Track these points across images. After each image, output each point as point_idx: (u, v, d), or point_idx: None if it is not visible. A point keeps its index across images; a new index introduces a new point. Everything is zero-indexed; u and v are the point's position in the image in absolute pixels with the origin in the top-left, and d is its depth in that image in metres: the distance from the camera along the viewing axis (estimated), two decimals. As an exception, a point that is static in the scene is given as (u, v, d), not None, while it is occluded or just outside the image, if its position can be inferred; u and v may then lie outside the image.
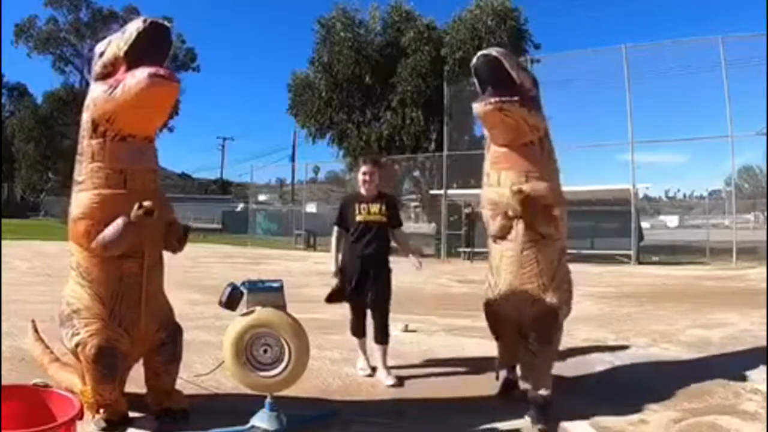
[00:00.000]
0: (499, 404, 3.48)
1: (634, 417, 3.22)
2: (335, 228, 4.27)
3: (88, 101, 2.93)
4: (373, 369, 4.12)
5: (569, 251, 3.62)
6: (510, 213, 3.25)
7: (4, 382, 2.63)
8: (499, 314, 3.47)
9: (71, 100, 37.17)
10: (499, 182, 3.34)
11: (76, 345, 2.81)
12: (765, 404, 3.25)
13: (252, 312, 2.84)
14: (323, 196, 37.37)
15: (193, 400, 3.24)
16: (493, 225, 3.38)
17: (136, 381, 3.14)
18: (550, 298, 3.24)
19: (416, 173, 21.53)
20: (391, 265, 4.19)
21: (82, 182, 2.90)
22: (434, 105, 18.82)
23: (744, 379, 3.99)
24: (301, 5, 78.03)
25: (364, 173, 4.17)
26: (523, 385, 3.50)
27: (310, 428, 3.05)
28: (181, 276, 10.52)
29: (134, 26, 2.81)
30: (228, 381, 3.44)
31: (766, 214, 24.25)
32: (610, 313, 6.82)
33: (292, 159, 35.76)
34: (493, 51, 3.27)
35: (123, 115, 2.81)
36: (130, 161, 2.89)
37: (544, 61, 18.02)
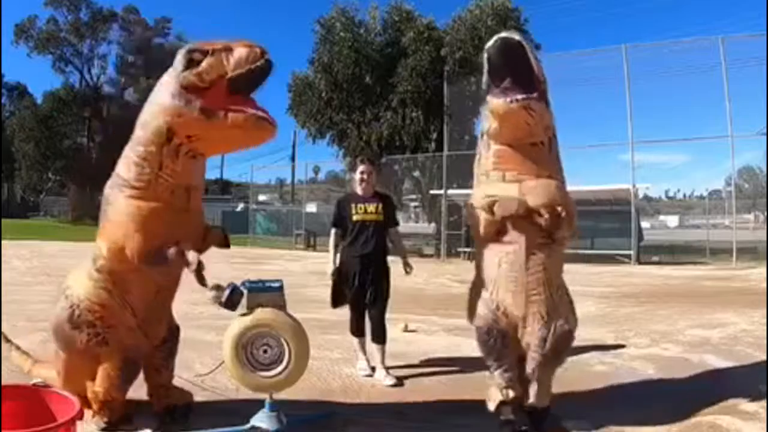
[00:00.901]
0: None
1: (635, 417, 3.22)
2: (333, 229, 4.30)
3: (162, 105, 2.72)
4: (373, 369, 4.13)
5: (569, 251, 3.33)
6: (498, 211, 2.83)
7: (4, 382, 2.63)
8: (503, 335, 2.95)
9: (71, 100, 37.22)
10: (503, 181, 2.94)
11: (100, 353, 2.81)
12: (765, 404, 3.24)
13: (252, 312, 2.85)
14: (323, 196, 37.36)
15: (193, 400, 3.24)
16: (482, 224, 2.95)
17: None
18: (563, 315, 2.91)
19: (416, 173, 21.51)
20: (389, 264, 4.21)
21: (140, 189, 2.72)
22: (434, 105, 18.82)
23: (744, 379, 3.99)
24: (301, 5, 78.01)
25: (362, 172, 4.20)
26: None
27: (310, 428, 3.05)
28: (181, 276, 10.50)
29: (250, 56, 2.64)
30: (228, 381, 3.44)
31: (766, 214, 24.24)
32: (610, 313, 6.82)
33: (292, 159, 35.71)
34: (515, 35, 2.88)
35: (211, 140, 2.75)
36: (196, 178, 2.87)
37: (544, 61, 17.95)
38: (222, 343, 2.87)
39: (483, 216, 2.91)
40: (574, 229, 2.93)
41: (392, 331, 4.69)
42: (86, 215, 31.41)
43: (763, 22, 14.53)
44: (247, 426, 2.88)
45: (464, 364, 4.43)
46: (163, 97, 2.74)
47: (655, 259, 16.54)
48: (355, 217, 4.13)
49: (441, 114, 18.73)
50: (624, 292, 9.24)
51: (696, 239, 20.70)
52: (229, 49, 2.66)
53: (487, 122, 2.96)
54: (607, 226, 16.60)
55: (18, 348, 3.51)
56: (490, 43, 2.88)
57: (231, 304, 2.85)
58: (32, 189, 42.00)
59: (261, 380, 2.83)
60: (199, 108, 2.64)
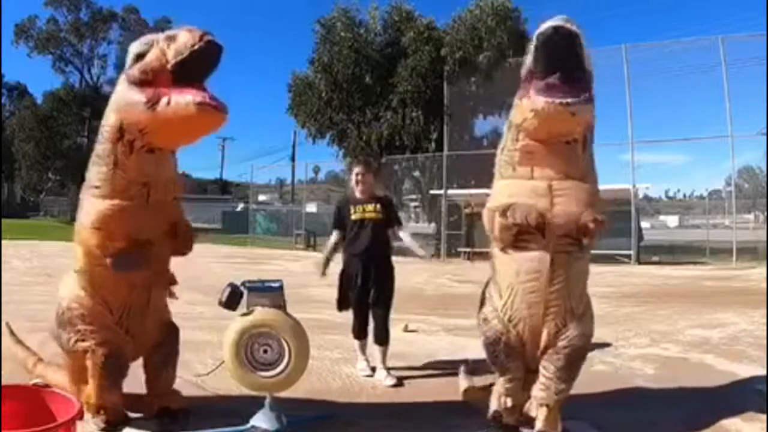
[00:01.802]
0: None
1: (635, 417, 3.22)
2: (334, 231, 4.29)
3: (116, 103, 2.75)
4: (373, 369, 4.13)
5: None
6: (513, 217, 2.61)
7: (4, 382, 2.63)
8: (511, 349, 2.77)
9: (71, 100, 37.19)
10: (532, 178, 2.71)
11: (84, 351, 2.81)
12: (765, 404, 3.24)
13: (252, 312, 2.85)
14: (323, 196, 37.33)
15: (193, 400, 3.24)
16: (497, 229, 2.71)
17: (137, 380, 3.14)
18: (580, 328, 2.68)
19: (416, 173, 21.51)
20: (394, 264, 4.21)
21: (99, 188, 2.74)
22: (434, 105, 18.81)
23: (744, 379, 3.99)
24: (301, 5, 78.02)
25: (357, 174, 4.21)
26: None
27: (309, 428, 3.05)
28: (181, 276, 10.50)
29: (188, 40, 2.56)
30: (228, 381, 3.44)
31: (766, 214, 24.23)
32: (610, 313, 6.81)
33: (292, 159, 35.72)
34: (571, 24, 2.53)
35: (159, 131, 2.68)
36: (154, 173, 2.77)
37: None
38: (222, 343, 2.88)
39: (498, 219, 2.69)
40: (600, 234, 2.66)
41: (393, 331, 4.69)
42: (86, 215, 31.28)
43: (763, 22, 14.50)
44: (247, 426, 2.88)
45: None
46: (115, 94, 2.78)
47: (655, 259, 16.53)
48: (353, 216, 4.13)
49: (441, 114, 18.73)
50: (624, 292, 9.24)
51: (696, 239, 20.69)
52: (170, 38, 2.62)
53: (521, 115, 2.69)
54: (607, 226, 16.57)
55: (22, 344, 3.52)
56: (541, 29, 2.54)
57: (231, 304, 2.86)
58: (32, 189, 41.97)
59: (261, 380, 2.83)
60: (144, 101, 2.60)
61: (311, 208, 28.80)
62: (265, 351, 2.84)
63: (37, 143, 36.91)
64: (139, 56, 2.68)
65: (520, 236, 2.65)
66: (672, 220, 41.06)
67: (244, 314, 2.85)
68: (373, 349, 4.13)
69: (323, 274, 4.24)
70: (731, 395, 3.62)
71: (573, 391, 2.83)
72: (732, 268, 13.64)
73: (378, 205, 4.14)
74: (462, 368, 3.54)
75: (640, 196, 18.43)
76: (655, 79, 18.02)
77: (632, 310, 7.19)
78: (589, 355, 4.62)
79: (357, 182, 4.20)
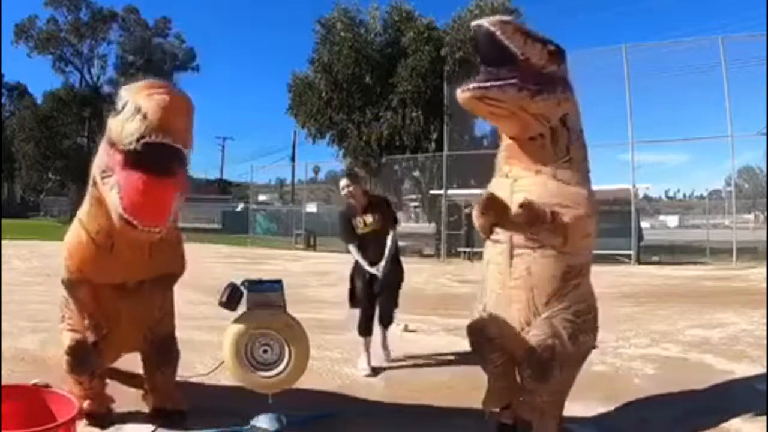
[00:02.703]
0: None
1: (635, 417, 3.22)
2: (350, 245, 4.36)
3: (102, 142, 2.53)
4: (374, 370, 4.13)
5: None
6: (479, 211, 2.71)
7: (4, 382, 2.63)
8: (482, 338, 2.80)
9: (71, 100, 37.17)
10: (507, 176, 2.80)
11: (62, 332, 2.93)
12: (765, 404, 3.24)
13: (252, 312, 2.85)
14: (323, 196, 37.31)
15: (193, 400, 3.24)
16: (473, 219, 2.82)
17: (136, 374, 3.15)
18: (544, 327, 2.56)
19: (416, 173, 21.50)
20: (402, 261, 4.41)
21: (83, 214, 2.74)
22: (434, 105, 18.80)
23: (744, 379, 3.99)
24: (301, 5, 78.02)
25: (343, 188, 4.34)
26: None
27: (310, 428, 3.05)
28: (181, 276, 10.50)
29: (138, 128, 2.24)
30: (228, 381, 3.44)
31: (766, 214, 24.24)
32: (610, 313, 6.81)
33: (292, 159, 35.74)
34: (485, 21, 2.59)
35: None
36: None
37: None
38: (222, 343, 2.87)
39: (474, 212, 2.82)
40: (571, 237, 2.58)
41: (392, 331, 4.70)
42: (86, 215, 31.30)
43: (763, 22, 14.51)
44: (248, 426, 2.88)
45: (464, 364, 4.43)
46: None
47: (655, 259, 16.53)
48: (359, 232, 4.31)
49: (441, 114, 18.72)
50: (624, 292, 9.24)
51: (696, 239, 20.69)
52: (138, 109, 2.28)
53: None
54: (607, 226, 16.58)
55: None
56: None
57: (231, 303, 2.86)
58: (32, 189, 41.95)
59: (261, 380, 2.83)
60: (100, 167, 2.43)
61: (311, 208, 28.79)
62: (265, 351, 2.84)
63: (37, 143, 36.90)
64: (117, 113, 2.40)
65: (493, 229, 2.74)
66: (672, 220, 41.07)
67: (244, 314, 2.85)
68: (377, 330, 4.31)
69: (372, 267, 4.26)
70: (731, 395, 3.62)
71: (573, 392, 2.82)
72: (732, 268, 13.64)
73: (376, 216, 4.28)
74: None
75: (640, 196, 18.42)
76: (655, 79, 18.02)
77: (632, 310, 7.18)
78: (589, 355, 4.67)
79: (347, 196, 4.34)
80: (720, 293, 9.01)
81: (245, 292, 2.87)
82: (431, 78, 18.89)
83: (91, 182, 2.61)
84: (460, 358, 4.61)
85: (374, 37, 20.50)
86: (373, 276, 4.22)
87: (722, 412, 3.25)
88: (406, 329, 5.56)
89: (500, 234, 2.72)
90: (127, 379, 3.28)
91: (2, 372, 3.18)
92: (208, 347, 4.52)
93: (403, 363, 4.44)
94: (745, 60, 15.73)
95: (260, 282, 2.95)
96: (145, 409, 3.11)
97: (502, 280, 2.68)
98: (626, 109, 16.15)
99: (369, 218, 4.27)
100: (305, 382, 3.27)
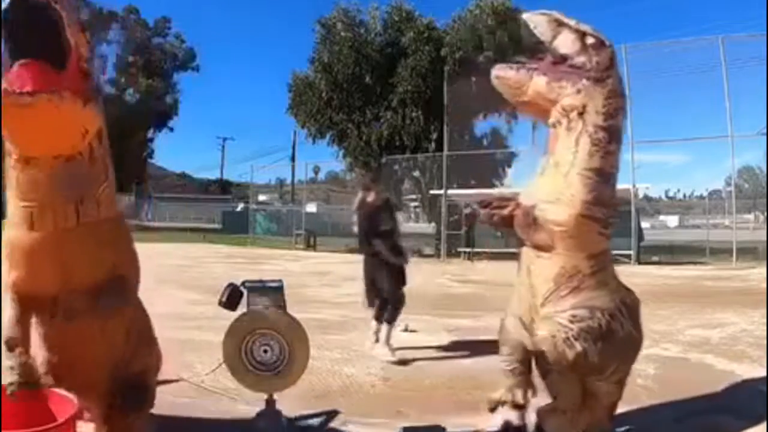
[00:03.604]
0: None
1: (635, 417, 3.22)
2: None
3: None
4: (377, 341, 4.62)
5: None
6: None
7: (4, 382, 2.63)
8: (500, 332, 2.87)
9: (71, 100, 37.17)
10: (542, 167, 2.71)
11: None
12: (765, 404, 3.24)
13: (251, 312, 2.85)
14: (323, 196, 37.35)
15: (193, 400, 3.24)
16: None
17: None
18: (545, 328, 2.54)
19: (416, 173, 21.50)
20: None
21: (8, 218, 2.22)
22: (434, 105, 18.81)
23: (744, 379, 3.99)
24: (301, 5, 78.07)
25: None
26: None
27: (310, 428, 3.05)
28: (181, 276, 10.53)
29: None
30: (228, 381, 3.44)
31: (766, 214, 24.24)
32: (610, 313, 6.80)
33: (292, 159, 35.71)
34: (528, 14, 2.73)
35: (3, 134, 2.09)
36: (37, 192, 2.12)
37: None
38: (222, 343, 2.88)
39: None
40: (558, 238, 2.51)
41: (393, 331, 4.70)
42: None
43: (763, 22, 14.50)
44: (248, 426, 2.88)
45: (464, 364, 4.44)
46: None
47: (655, 259, 16.54)
48: (384, 228, 4.81)
49: (441, 114, 18.72)
50: (624, 292, 9.23)
51: (696, 239, 20.69)
52: None
53: None
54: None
55: None
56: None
57: (231, 303, 2.86)
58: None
59: (261, 380, 2.83)
60: None
61: (311, 208, 28.81)
62: (265, 351, 2.84)
63: (37, 143, 36.89)
64: None
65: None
66: (672, 220, 41.08)
67: (244, 314, 2.85)
68: (382, 326, 4.66)
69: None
70: (731, 395, 3.62)
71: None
72: (732, 268, 13.64)
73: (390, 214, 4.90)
74: None
75: (640, 196, 18.43)
76: (655, 79, 18.01)
77: (632, 310, 7.18)
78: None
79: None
80: (720, 293, 9.01)
81: (245, 292, 2.87)
82: (431, 78, 18.90)
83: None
84: (460, 358, 4.61)
85: (374, 37, 20.51)
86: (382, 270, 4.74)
87: (722, 412, 3.25)
88: (406, 329, 5.56)
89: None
90: None
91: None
92: (208, 347, 4.52)
93: (403, 363, 4.44)
94: (745, 60, 15.75)
95: (260, 282, 2.95)
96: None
97: (519, 279, 2.72)
98: (626, 109, 16.12)
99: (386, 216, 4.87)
100: (305, 382, 3.28)
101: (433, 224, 21.34)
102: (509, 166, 21.03)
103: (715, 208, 25.01)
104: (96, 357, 2.34)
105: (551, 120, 2.61)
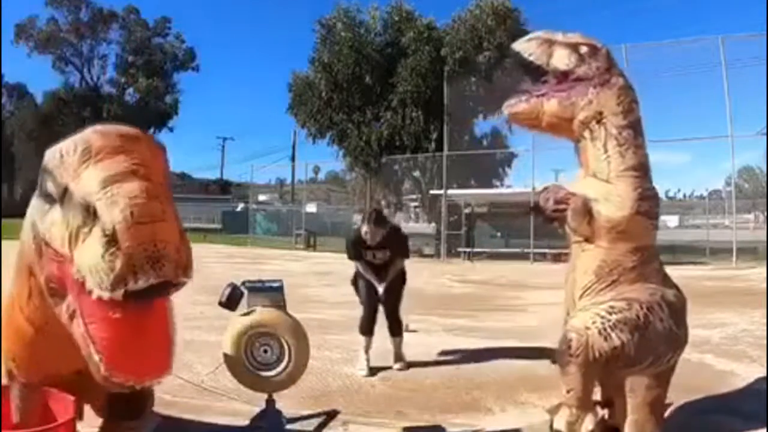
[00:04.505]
0: (499, 404, 3.48)
1: (634, 417, 3.21)
2: (357, 263, 4.43)
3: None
4: (371, 370, 4.15)
5: (569, 251, 2.95)
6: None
7: (3, 382, 2.63)
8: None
9: (71, 100, 37.18)
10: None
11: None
12: (765, 404, 3.24)
13: (252, 312, 2.85)
14: (323, 196, 37.33)
15: (193, 400, 3.24)
16: None
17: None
18: (576, 321, 2.61)
19: (416, 173, 21.51)
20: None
21: (22, 301, 2.18)
22: (434, 105, 18.81)
23: (744, 379, 3.99)
24: (301, 5, 78.03)
25: (365, 233, 4.24)
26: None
27: (310, 428, 3.05)
28: (181, 276, 10.48)
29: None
30: (228, 381, 3.44)
31: (766, 214, 24.24)
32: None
33: (292, 159, 35.69)
34: (517, 43, 2.80)
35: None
36: None
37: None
38: (222, 343, 2.87)
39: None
40: (600, 230, 2.58)
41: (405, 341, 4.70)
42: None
43: (763, 22, 14.51)
44: (248, 426, 2.88)
45: (464, 364, 4.44)
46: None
47: (655, 259, 16.51)
48: (367, 258, 4.36)
49: (441, 114, 18.72)
50: (624, 292, 9.22)
51: (696, 239, 20.68)
52: (93, 215, 1.66)
53: None
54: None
55: None
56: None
57: (231, 303, 2.85)
58: (32, 189, 41.80)
59: (261, 380, 2.83)
60: (45, 282, 1.90)
61: (311, 208, 28.80)
62: (265, 351, 2.84)
63: (38, 143, 36.94)
64: (48, 195, 1.86)
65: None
66: (672, 220, 41.01)
67: (244, 314, 2.85)
68: (391, 341, 4.40)
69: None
70: (731, 395, 3.62)
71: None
72: (732, 268, 13.64)
73: (386, 252, 4.33)
74: None
75: (641, 196, 18.39)
76: (655, 79, 18.00)
77: (632, 310, 7.18)
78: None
79: (366, 233, 4.22)
80: (720, 293, 9.01)
81: (245, 292, 2.87)
82: (431, 78, 18.90)
83: (24, 269, 2.05)
84: (460, 358, 4.61)
85: (374, 37, 20.51)
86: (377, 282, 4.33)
87: (722, 412, 3.25)
88: (406, 329, 5.55)
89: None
90: None
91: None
92: (208, 347, 4.52)
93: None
94: (745, 60, 15.73)
95: (260, 282, 2.95)
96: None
97: (567, 273, 2.83)
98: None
99: (380, 254, 4.33)
100: (305, 382, 3.28)
101: (433, 224, 21.34)
102: (509, 166, 21.10)
103: (715, 208, 25.00)
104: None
105: (575, 135, 2.72)
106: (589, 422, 2.71)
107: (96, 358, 1.67)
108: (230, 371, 2.86)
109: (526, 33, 2.89)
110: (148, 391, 2.41)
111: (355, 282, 4.55)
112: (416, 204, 25.62)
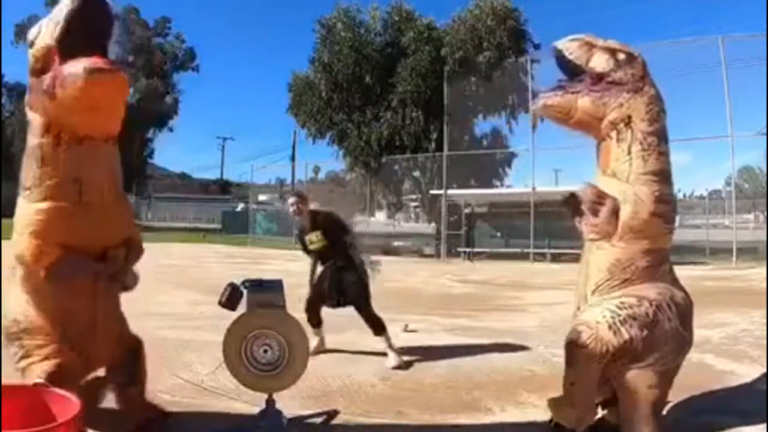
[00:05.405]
0: (499, 404, 3.48)
1: (634, 417, 3.21)
2: (306, 255, 4.80)
3: (27, 98, 2.60)
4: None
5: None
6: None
7: (4, 382, 2.63)
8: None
9: (71, 100, 37.17)
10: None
11: (25, 368, 2.55)
12: (765, 404, 3.24)
13: (252, 312, 2.85)
14: (323, 197, 37.23)
15: (193, 400, 3.24)
16: None
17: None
18: (586, 316, 2.72)
19: (416, 173, 21.51)
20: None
21: (29, 189, 2.53)
22: (434, 105, 18.81)
23: (744, 379, 3.99)
24: (301, 5, 78.03)
25: (291, 205, 4.73)
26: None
27: (310, 428, 3.05)
28: (181, 276, 10.53)
29: (65, 6, 2.37)
30: (228, 381, 3.44)
31: (766, 214, 24.24)
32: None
33: (292, 159, 35.65)
34: (559, 42, 2.91)
35: (70, 115, 2.43)
36: (87, 167, 2.52)
37: (544, 61, 18.03)
38: (222, 343, 2.88)
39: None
40: (617, 227, 2.67)
41: (392, 331, 4.70)
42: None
43: (763, 22, 14.50)
44: (249, 426, 2.88)
45: (464, 364, 4.44)
46: (27, 93, 2.64)
47: (655, 258, 16.50)
48: (310, 248, 4.67)
49: (441, 114, 18.72)
50: (624, 292, 9.22)
51: (696, 239, 20.68)
52: (55, 15, 2.42)
53: None
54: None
55: None
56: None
57: (231, 303, 2.86)
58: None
59: (261, 380, 2.83)
60: (42, 90, 2.41)
61: (311, 208, 28.73)
62: (265, 351, 2.84)
63: (37, 143, 36.89)
64: (32, 45, 2.50)
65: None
66: (672, 220, 40.95)
67: (244, 314, 2.85)
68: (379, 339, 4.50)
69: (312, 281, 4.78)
70: (731, 395, 3.62)
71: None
72: (732, 268, 13.64)
73: (319, 233, 4.59)
74: None
75: (641, 196, 18.39)
76: (656, 79, 17.97)
77: (632, 310, 7.17)
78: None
79: (294, 213, 4.69)
80: (720, 293, 9.01)
81: (245, 292, 2.87)
82: (431, 78, 18.90)
83: (33, 138, 2.55)
84: (460, 358, 4.61)
85: (374, 37, 20.51)
86: (330, 287, 4.54)
87: (722, 412, 3.25)
88: (406, 329, 5.56)
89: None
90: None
91: (2, 372, 3.17)
92: (208, 347, 4.52)
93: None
94: (745, 60, 15.72)
95: (260, 282, 2.95)
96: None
97: (579, 269, 2.93)
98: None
99: (313, 236, 4.59)
100: (305, 382, 3.28)
101: (433, 224, 21.35)
102: (509, 166, 21.09)
103: (715, 208, 24.98)
104: (110, 326, 2.69)
105: (602, 134, 2.83)
106: (589, 417, 2.74)
107: (74, 73, 2.27)
108: (230, 371, 2.86)
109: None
110: (142, 350, 2.87)
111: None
112: (416, 204, 25.64)
